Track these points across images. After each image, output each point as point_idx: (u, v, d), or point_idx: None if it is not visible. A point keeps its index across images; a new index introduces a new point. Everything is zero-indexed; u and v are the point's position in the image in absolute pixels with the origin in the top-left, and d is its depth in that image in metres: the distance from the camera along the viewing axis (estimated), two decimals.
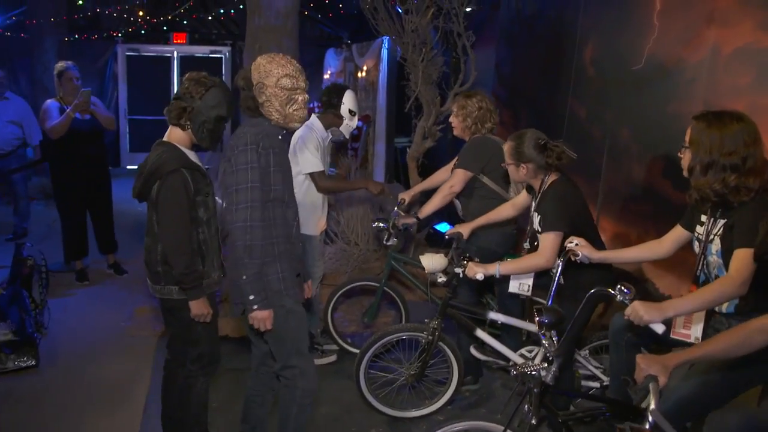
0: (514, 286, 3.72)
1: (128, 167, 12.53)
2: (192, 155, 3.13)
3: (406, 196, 4.75)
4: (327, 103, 4.50)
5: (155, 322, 5.15)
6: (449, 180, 4.31)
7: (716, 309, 2.77)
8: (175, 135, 3.11)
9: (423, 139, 6.47)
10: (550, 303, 3.15)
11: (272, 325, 2.92)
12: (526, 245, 3.67)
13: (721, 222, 2.71)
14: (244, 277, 2.81)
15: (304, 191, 4.39)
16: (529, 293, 3.66)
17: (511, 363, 3.82)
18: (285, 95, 2.87)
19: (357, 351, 4.56)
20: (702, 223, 2.86)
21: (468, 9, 6.17)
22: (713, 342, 2.29)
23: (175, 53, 12.91)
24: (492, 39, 7.09)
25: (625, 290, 2.52)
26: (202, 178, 3.09)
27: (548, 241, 3.39)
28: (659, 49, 4.34)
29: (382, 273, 4.72)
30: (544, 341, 2.62)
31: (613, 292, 2.56)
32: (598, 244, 3.42)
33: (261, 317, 2.87)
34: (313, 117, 4.55)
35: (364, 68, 10.17)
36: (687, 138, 2.77)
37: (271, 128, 2.91)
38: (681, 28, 4.16)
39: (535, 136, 3.51)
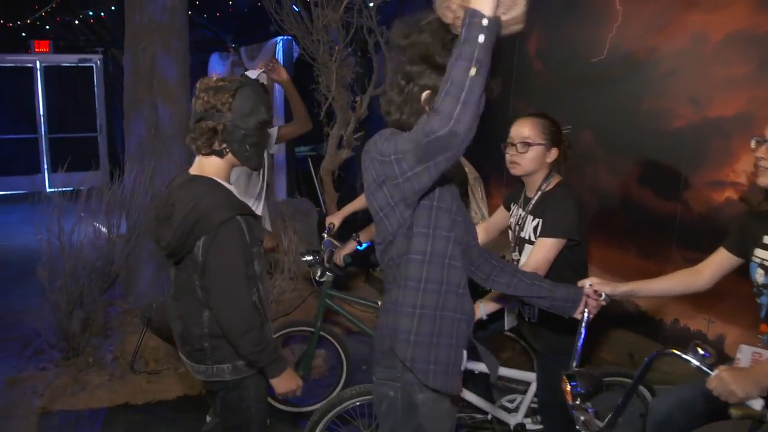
0: (511, 321, 3.09)
1: None
2: (236, 192, 2.39)
3: (335, 219, 3.94)
4: None
5: (33, 395, 4.10)
6: None
7: None
8: (210, 167, 2.34)
9: (338, 149, 5.71)
10: (576, 364, 2.45)
11: None
12: (516, 255, 2.99)
13: None
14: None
15: None
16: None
17: (490, 416, 3.26)
18: None
19: (292, 409, 3.91)
20: (765, 246, 2.25)
21: (375, 2, 5.48)
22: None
23: (38, 63, 11.53)
24: None
25: (704, 353, 1.85)
26: (257, 223, 2.39)
27: (546, 248, 2.70)
28: (624, 38, 3.77)
29: (316, 314, 3.92)
30: (578, 415, 2.02)
31: (683, 354, 1.88)
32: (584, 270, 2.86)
33: None
34: None
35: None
36: None
37: None
38: (651, 13, 3.61)
39: (557, 121, 2.90)
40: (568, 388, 2.04)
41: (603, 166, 3.93)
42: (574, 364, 2.34)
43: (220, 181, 2.33)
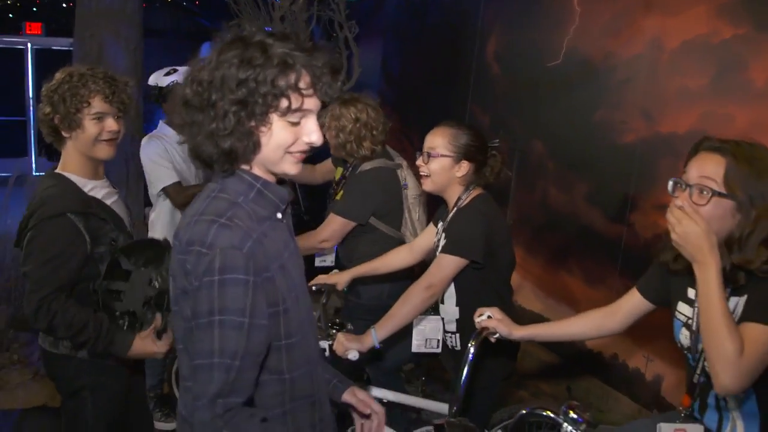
0: (419, 344, 2.71)
1: None
2: (95, 186, 2.25)
3: None
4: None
5: None
6: (322, 230, 3.14)
7: None
8: (67, 161, 2.23)
9: None
10: (456, 408, 2.15)
11: None
12: None
13: (738, 300, 1.70)
14: None
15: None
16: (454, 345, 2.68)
17: None
18: None
19: None
20: (690, 301, 1.85)
21: None
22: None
23: (29, 45, 11.35)
24: (378, 31, 6.13)
25: (577, 418, 1.55)
26: (103, 223, 2.22)
27: (441, 265, 2.45)
28: (581, 41, 3.46)
29: None
30: None
31: (555, 416, 1.59)
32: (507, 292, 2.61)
33: None
34: (161, 124, 3.58)
35: None
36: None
37: None
38: (609, 15, 3.30)
39: (481, 134, 2.57)
40: None
41: (552, 180, 3.63)
42: (455, 410, 2.05)
43: (72, 176, 2.20)
